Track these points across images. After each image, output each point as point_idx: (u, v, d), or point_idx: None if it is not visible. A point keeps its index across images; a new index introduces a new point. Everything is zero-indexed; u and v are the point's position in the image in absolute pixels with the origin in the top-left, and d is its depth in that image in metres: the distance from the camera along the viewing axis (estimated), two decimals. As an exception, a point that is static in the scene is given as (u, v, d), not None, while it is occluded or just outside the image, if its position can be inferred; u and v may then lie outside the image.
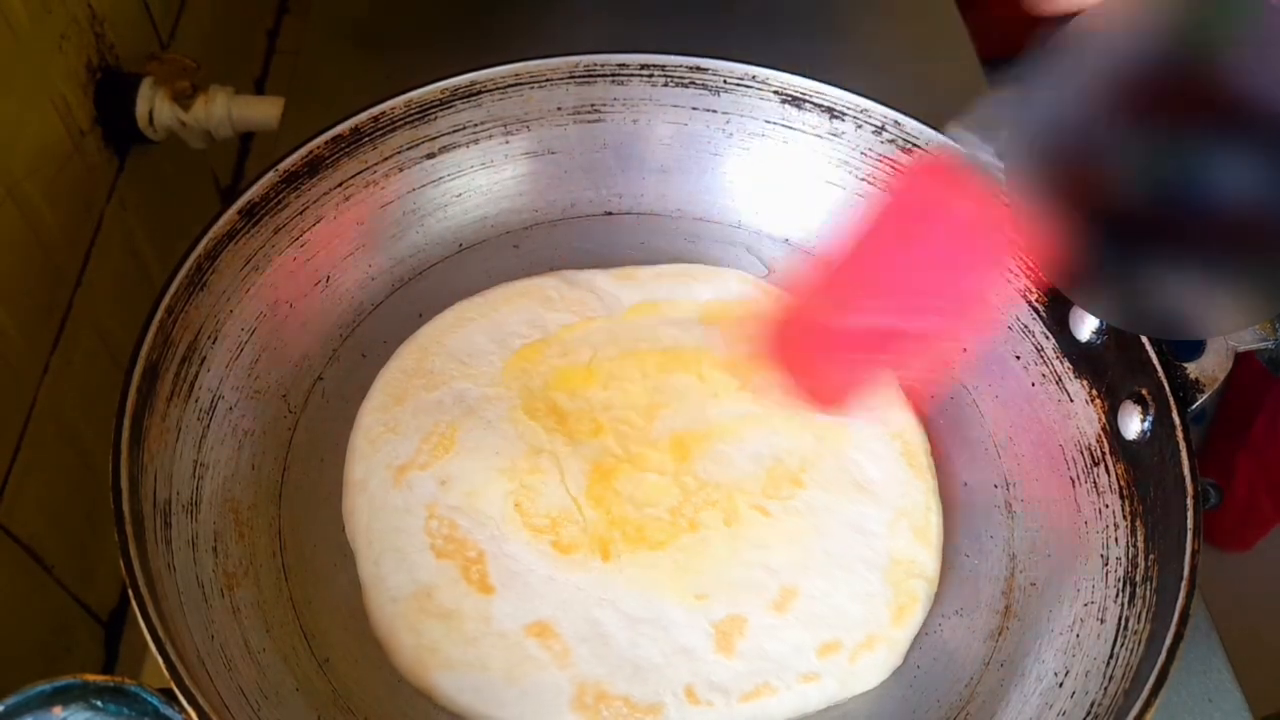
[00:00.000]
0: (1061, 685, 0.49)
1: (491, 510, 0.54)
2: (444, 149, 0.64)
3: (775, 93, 0.64)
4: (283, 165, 0.58)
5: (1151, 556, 0.50)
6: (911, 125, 0.62)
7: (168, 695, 0.41)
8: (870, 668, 0.51)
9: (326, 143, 0.60)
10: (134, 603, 0.43)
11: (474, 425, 0.56)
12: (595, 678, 0.49)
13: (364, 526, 0.53)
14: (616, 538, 0.53)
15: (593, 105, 0.65)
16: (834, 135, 0.64)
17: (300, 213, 0.59)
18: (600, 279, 0.63)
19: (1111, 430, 0.54)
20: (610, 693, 0.49)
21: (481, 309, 0.61)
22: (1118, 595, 0.50)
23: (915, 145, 0.62)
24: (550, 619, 0.51)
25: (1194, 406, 0.51)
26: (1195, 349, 0.52)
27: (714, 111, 0.65)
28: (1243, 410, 1.08)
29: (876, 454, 0.57)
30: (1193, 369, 0.51)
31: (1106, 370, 0.55)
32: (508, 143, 0.65)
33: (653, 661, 0.50)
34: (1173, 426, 0.50)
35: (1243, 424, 1.08)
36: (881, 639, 0.52)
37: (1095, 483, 0.54)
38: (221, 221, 0.56)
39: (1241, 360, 0.52)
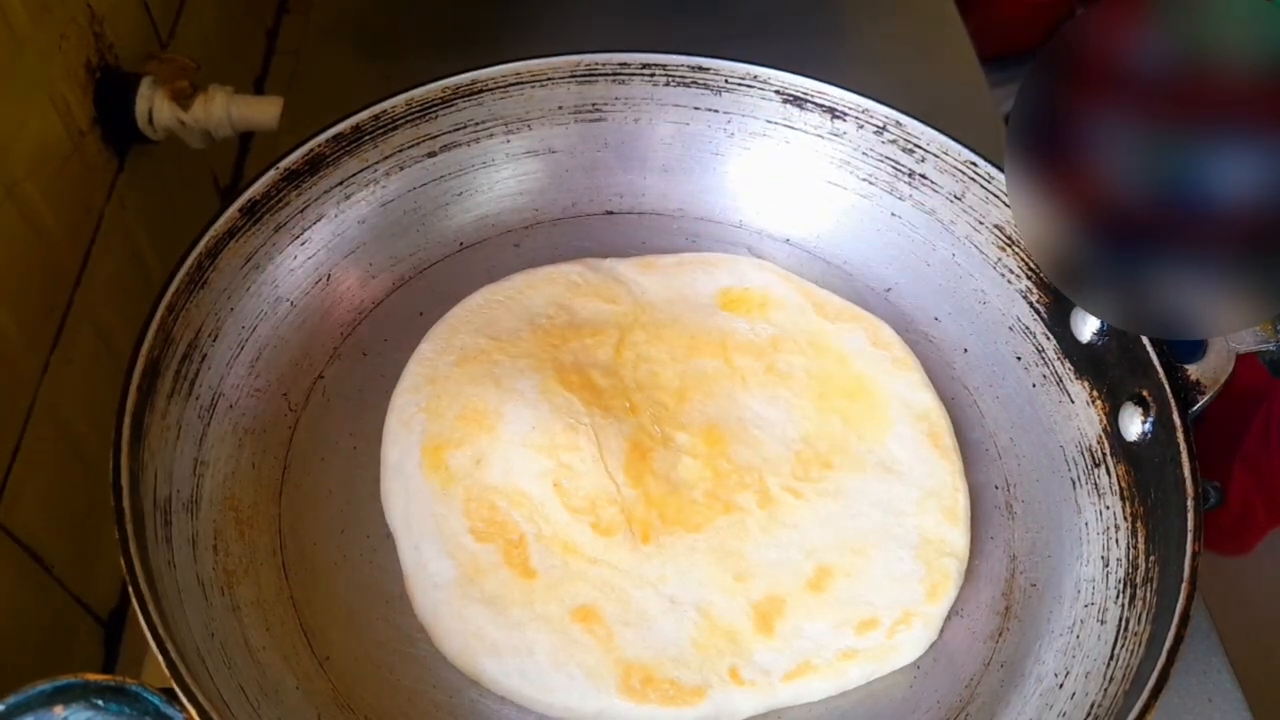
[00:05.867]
0: (1061, 686, 0.49)
1: (530, 490, 0.54)
2: (445, 147, 0.64)
3: (777, 92, 0.64)
4: (284, 163, 0.58)
5: (1152, 558, 0.50)
6: (913, 125, 0.62)
7: (168, 695, 0.40)
8: (908, 643, 0.52)
9: (328, 141, 0.60)
10: (134, 601, 0.43)
11: (508, 400, 0.56)
12: (641, 661, 0.50)
13: (402, 510, 0.54)
14: (654, 519, 0.54)
15: (594, 104, 0.65)
16: (835, 135, 0.64)
17: (301, 210, 0.59)
18: (622, 266, 0.64)
19: (1112, 431, 0.54)
20: (656, 676, 0.49)
21: (508, 292, 0.62)
22: (1118, 596, 0.50)
23: (916, 146, 0.62)
24: (593, 603, 0.51)
25: (1195, 408, 0.51)
26: (1197, 351, 0.52)
27: (715, 111, 0.65)
28: (1237, 418, 1.08)
29: (902, 436, 0.58)
30: (1194, 371, 0.51)
31: (1108, 371, 0.55)
32: (509, 141, 0.65)
33: (696, 643, 0.51)
34: (1174, 428, 0.50)
35: (1237, 432, 1.08)
36: (917, 615, 0.52)
37: (1096, 484, 0.54)
38: (223, 219, 0.56)
39: (1238, 367, 0.52)
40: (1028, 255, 0.59)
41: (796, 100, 0.64)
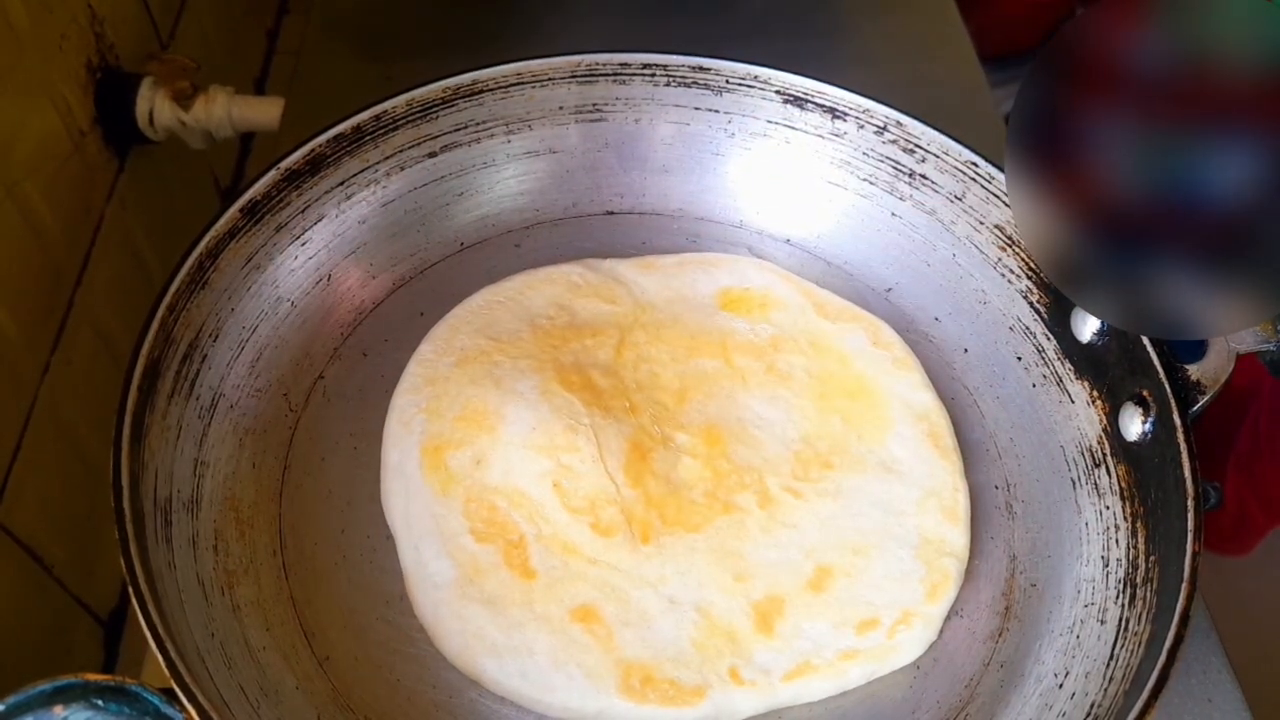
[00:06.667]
0: (1061, 686, 0.49)
1: (530, 490, 0.54)
2: (445, 148, 0.64)
3: (777, 93, 0.64)
4: (285, 163, 0.58)
5: (1152, 558, 0.50)
6: (913, 126, 0.62)
7: (168, 695, 0.40)
8: (908, 643, 0.52)
9: (328, 141, 0.60)
10: (134, 601, 0.43)
11: (508, 400, 0.56)
12: (640, 661, 0.50)
13: (402, 511, 0.54)
14: (654, 519, 0.54)
15: (594, 105, 0.65)
16: (836, 135, 0.64)
17: (302, 211, 0.59)
18: (622, 267, 0.64)
19: (1113, 432, 0.54)
20: (656, 676, 0.49)
21: (508, 293, 0.62)
22: (1118, 596, 0.50)
23: (917, 146, 0.62)
24: (593, 603, 0.51)
25: (1195, 408, 0.51)
26: (1197, 351, 0.52)
27: (716, 111, 0.65)
28: (1230, 419, 1.08)
29: (902, 436, 0.58)
30: (1194, 371, 0.51)
31: (1108, 372, 0.55)
32: (509, 142, 0.65)
33: (696, 643, 0.51)
34: (1174, 428, 0.50)
35: (1230, 433, 1.08)
36: (917, 615, 0.52)
37: (1096, 484, 0.54)
38: (223, 219, 0.56)
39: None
40: (1028, 255, 0.59)
41: (797, 100, 0.64)
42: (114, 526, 0.45)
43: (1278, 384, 1.02)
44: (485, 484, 0.54)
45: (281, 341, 0.58)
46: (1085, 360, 0.57)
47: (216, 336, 0.55)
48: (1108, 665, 0.48)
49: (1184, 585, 0.46)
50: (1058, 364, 0.58)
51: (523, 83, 0.64)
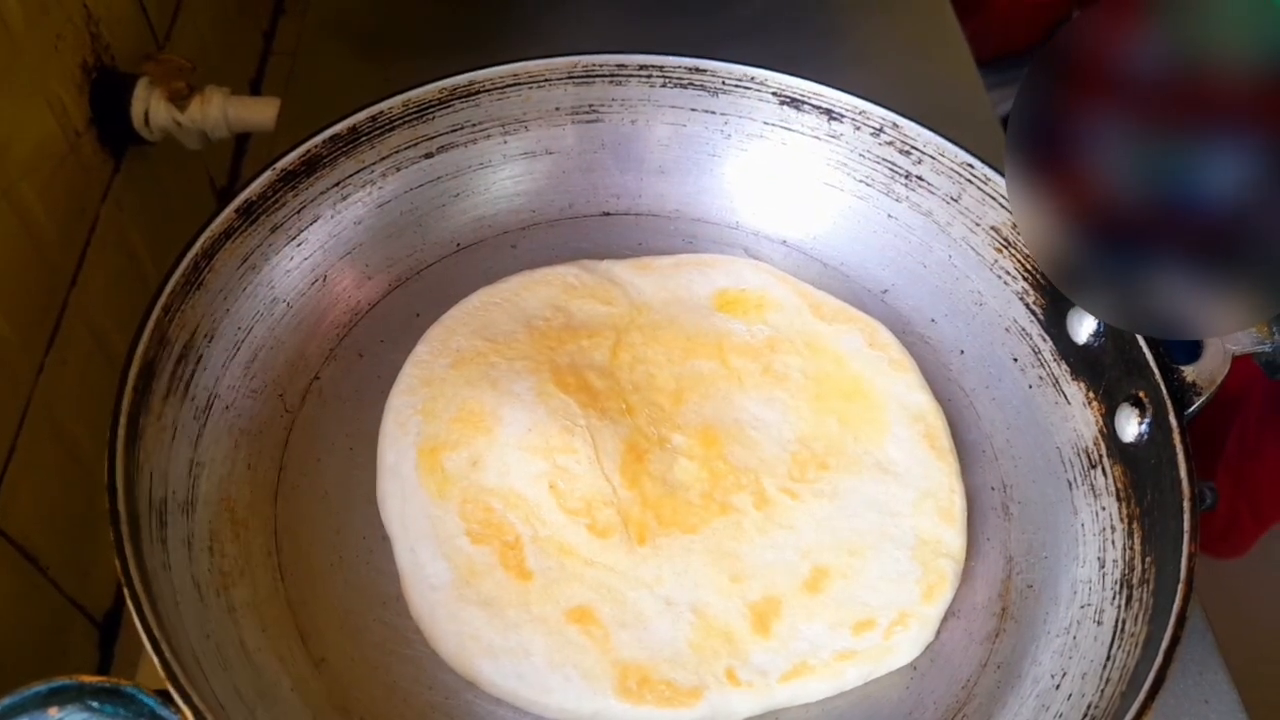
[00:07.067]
0: (1058, 687, 0.49)
1: (526, 492, 0.54)
2: (442, 149, 0.63)
3: (774, 94, 0.64)
4: (280, 164, 0.58)
5: (1148, 559, 0.50)
6: (909, 127, 0.62)
7: (164, 696, 0.40)
8: (904, 644, 0.52)
9: (324, 142, 0.60)
10: (129, 602, 0.43)
11: (504, 401, 0.56)
12: (637, 662, 0.50)
13: (398, 512, 0.53)
14: (650, 521, 0.54)
15: (591, 106, 0.65)
16: (832, 137, 0.64)
17: (298, 211, 0.59)
18: (618, 268, 0.64)
19: (1109, 433, 0.54)
20: (653, 677, 0.49)
21: (504, 294, 0.62)
22: (1114, 597, 0.50)
23: (913, 147, 0.62)
24: (589, 604, 0.51)
25: (1191, 410, 0.51)
26: (1193, 352, 0.52)
27: (712, 113, 0.65)
28: (1221, 424, 1.08)
29: (899, 437, 0.58)
30: (1190, 372, 0.51)
31: (1104, 373, 0.55)
32: (505, 143, 0.65)
33: (693, 644, 0.51)
34: (1170, 430, 0.50)
35: (1220, 437, 1.09)
36: (914, 616, 0.52)
37: (1092, 485, 0.54)
38: (219, 220, 0.56)
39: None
40: (1024, 257, 0.59)
41: (793, 102, 0.64)
42: (109, 528, 0.45)
43: (1268, 388, 1.02)
44: (481, 485, 0.54)
45: (277, 342, 0.58)
46: (1081, 361, 0.57)
47: (212, 337, 0.55)
48: (1104, 666, 0.48)
49: (1180, 586, 0.46)
50: (1054, 365, 0.58)
51: (519, 84, 0.64)
